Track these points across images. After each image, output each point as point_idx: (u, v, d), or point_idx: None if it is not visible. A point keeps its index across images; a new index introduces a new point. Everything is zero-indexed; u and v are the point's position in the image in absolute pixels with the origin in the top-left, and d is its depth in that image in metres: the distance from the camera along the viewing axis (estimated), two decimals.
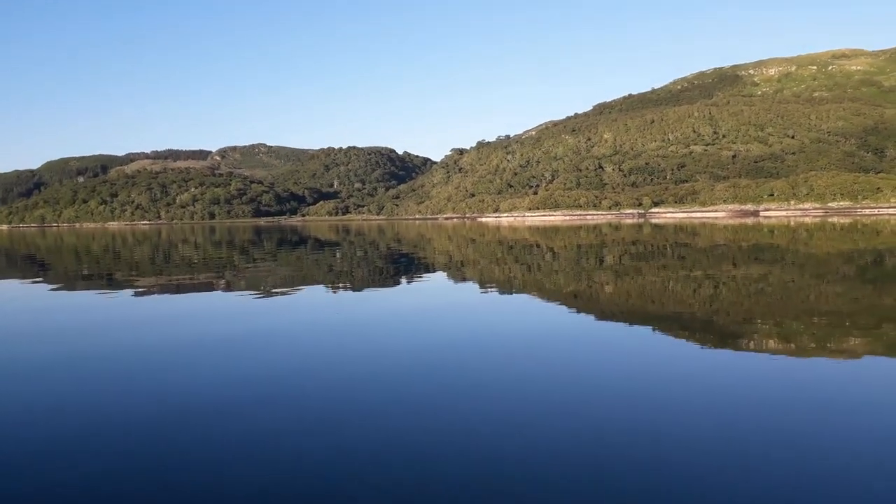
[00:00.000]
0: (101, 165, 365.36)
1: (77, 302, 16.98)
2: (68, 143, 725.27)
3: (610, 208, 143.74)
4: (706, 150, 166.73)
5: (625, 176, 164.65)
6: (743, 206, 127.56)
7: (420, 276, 22.37)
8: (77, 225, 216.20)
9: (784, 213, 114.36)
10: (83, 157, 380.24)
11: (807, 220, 78.22)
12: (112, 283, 21.50)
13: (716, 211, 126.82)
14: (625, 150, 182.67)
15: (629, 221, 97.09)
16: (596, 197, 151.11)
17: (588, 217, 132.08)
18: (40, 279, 23.67)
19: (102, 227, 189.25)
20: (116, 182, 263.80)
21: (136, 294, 17.89)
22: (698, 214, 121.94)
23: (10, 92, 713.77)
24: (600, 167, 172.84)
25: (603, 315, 12.80)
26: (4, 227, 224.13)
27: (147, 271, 26.29)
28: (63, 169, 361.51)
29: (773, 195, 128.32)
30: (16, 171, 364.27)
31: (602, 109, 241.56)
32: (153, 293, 18.24)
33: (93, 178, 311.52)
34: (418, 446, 5.70)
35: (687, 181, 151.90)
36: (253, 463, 5.35)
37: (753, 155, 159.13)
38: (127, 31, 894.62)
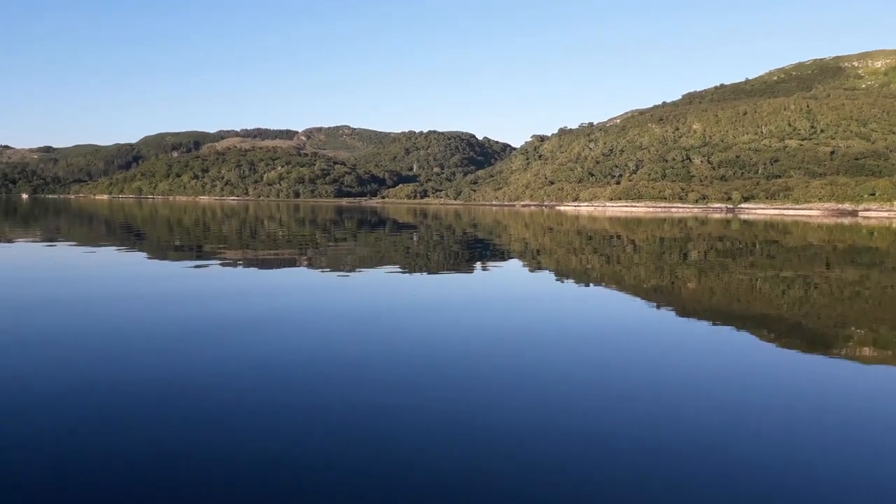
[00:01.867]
0: (194, 141, 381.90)
1: (167, 271, 17.87)
2: (164, 119, 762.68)
3: (697, 202, 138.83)
4: (802, 145, 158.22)
5: (713, 169, 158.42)
6: (840, 206, 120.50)
7: (495, 263, 22.33)
8: (170, 198, 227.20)
9: (886, 213, 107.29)
10: (178, 133, 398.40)
11: None
12: (201, 255, 22.52)
13: (810, 209, 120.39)
14: (714, 141, 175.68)
15: (717, 216, 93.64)
16: (682, 189, 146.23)
17: (673, 210, 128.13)
18: (137, 248, 25.06)
19: (194, 200, 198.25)
20: (208, 158, 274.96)
21: (223, 265, 18.67)
22: (791, 212, 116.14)
23: (112, 69, 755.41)
24: (688, 159, 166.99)
25: (684, 312, 12.42)
26: (105, 196, 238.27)
27: (234, 245, 27.37)
28: (159, 143, 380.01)
29: (874, 195, 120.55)
30: (116, 144, 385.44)
31: (692, 99, 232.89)
32: (238, 266, 18.99)
33: (186, 153, 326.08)
34: (491, 437, 5.72)
35: (780, 177, 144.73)
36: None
37: (854, 152, 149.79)
38: (221, 14, 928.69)
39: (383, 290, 15.08)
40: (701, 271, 20.07)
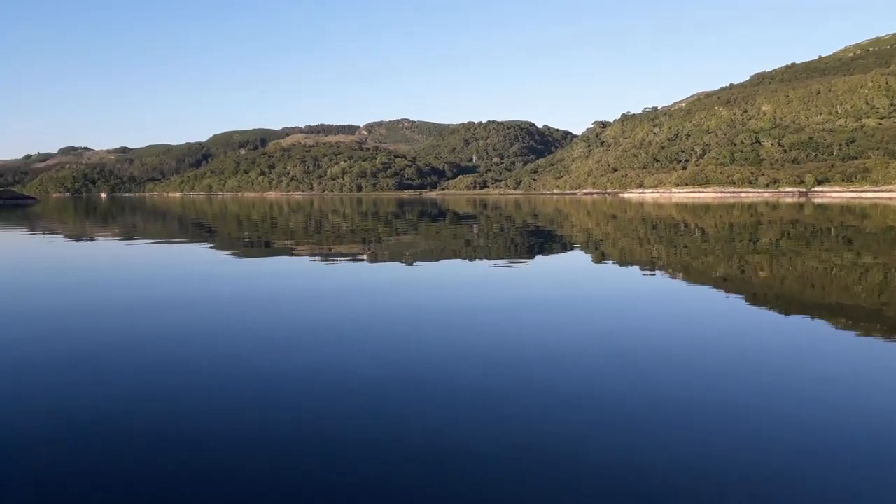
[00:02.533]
0: (261, 138, 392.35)
1: (239, 269, 18.50)
2: (232, 118, 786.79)
3: (767, 186, 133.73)
4: (881, 124, 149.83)
5: (785, 151, 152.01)
6: None
7: (556, 253, 22.16)
8: (239, 193, 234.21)
9: None
10: (245, 131, 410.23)
11: None
12: (270, 250, 23.21)
13: (891, 191, 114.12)
14: (785, 123, 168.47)
15: (789, 200, 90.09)
16: (752, 173, 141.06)
17: (742, 195, 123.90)
18: (208, 244, 26.02)
19: (261, 195, 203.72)
20: (274, 154, 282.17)
21: (292, 260, 19.20)
22: (869, 195, 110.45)
23: (183, 71, 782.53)
24: (757, 141, 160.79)
25: (755, 300, 12.07)
26: (178, 193, 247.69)
27: (301, 239, 28.07)
28: (227, 141, 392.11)
29: None
30: (187, 143, 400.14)
31: (761, 79, 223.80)
32: (306, 261, 19.48)
33: (253, 150, 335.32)
34: (573, 436, 5.74)
35: (857, 158, 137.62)
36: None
37: None
38: (285, 15, 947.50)
39: (445, 283, 15.20)
40: (773, 258, 19.40)
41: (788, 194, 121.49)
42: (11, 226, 40.49)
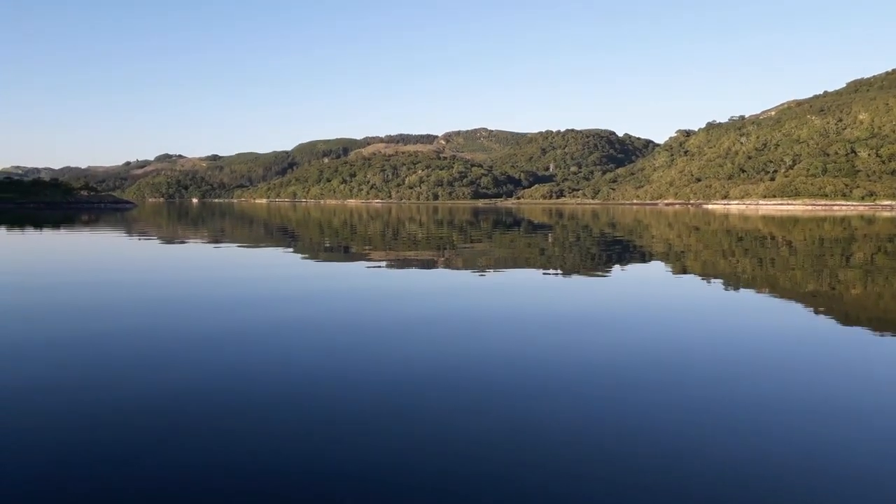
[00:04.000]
0: (343, 148, 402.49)
1: (315, 271, 19.08)
2: (316, 128, 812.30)
3: (863, 199, 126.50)
4: None
5: (883, 163, 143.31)
6: None
7: (634, 265, 21.71)
8: (321, 201, 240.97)
9: None
10: (328, 140, 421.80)
11: None
12: (348, 255, 23.81)
13: None
14: (884, 132, 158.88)
15: (886, 214, 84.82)
16: (846, 185, 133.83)
17: (835, 208, 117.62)
18: (291, 249, 26.94)
19: (342, 203, 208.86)
20: (355, 163, 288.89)
21: (368, 267, 19.64)
22: None
23: (270, 81, 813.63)
24: (852, 152, 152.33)
25: (846, 320, 11.48)
26: (264, 200, 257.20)
27: (378, 245, 28.64)
28: (311, 150, 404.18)
29: None
30: (273, 152, 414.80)
31: (858, 87, 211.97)
32: (381, 266, 19.87)
33: (335, 159, 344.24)
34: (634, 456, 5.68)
35: None
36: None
37: None
38: (365, 27, 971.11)
39: (511, 293, 15.19)
40: (867, 275, 18.37)
41: (886, 208, 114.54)
42: (111, 228, 43.13)
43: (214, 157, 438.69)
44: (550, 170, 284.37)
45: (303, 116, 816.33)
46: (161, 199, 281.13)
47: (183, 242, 30.72)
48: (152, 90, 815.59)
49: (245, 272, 18.36)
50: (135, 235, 36.11)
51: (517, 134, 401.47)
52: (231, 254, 24.42)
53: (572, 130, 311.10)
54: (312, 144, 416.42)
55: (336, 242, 31.45)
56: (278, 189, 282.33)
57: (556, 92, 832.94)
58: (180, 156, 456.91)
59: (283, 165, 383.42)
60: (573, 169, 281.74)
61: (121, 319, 10.78)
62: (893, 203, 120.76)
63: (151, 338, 9.33)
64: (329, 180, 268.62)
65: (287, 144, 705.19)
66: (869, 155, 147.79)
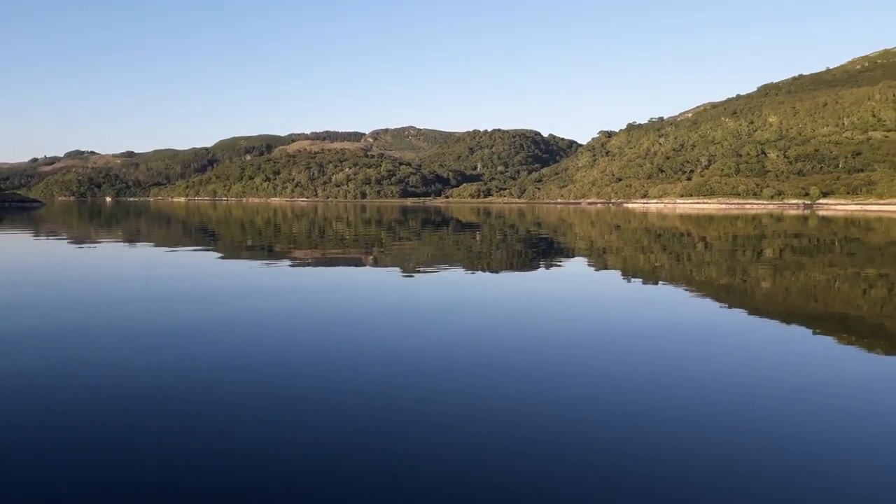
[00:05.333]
0: (266, 144, 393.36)
1: (236, 269, 18.50)
2: (238, 124, 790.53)
3: (772, 198, 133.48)
4: (887, 137, 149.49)
5: (790, 163, 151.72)
6: None
7: (559, 262, 22.10)
8: (243, 199, 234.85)
9: None
10: (250, 137, 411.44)
11: None
12: (271, 254, 23.21)
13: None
14: (791, 135, 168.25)
15: (793, 213, 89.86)
16: (757, 185, 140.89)
17: (747, 206, 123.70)
18: (211, 248, 26.04)
19: (266, 201, 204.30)
20: (279, 161, 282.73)
21: (292, 265, 19.19)
22: (874, 208, 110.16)
23: (189, 76, 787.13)
24: (763, 153, 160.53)
25: (757, 312, 12.00)
26: (182, 199, 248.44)
27: (304, 244, 28.07)
28: (233, 147, 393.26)
29: None
30: (193, 149, 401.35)
31: (768, 91, 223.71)
32: (306, 265, 19.46)
33: (258, 156, 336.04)
34: (555, 440, 5.69)
35: (862, 171, 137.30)
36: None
37: None
38: (291, 21, 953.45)
39: (442, 289, 15.16)
40: (776, 270, 19.32)
41: (793, 206, 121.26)
42: (16, 228, 40.61)
43: (129, 154, 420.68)
44: (478, 169, 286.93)
45: (224, 112, 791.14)
46: (71, 198, 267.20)
47: (95, 243, 29.23)
48: (61, 84, 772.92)
49: (164, 272, 17.59)
50: (43, 236, 34.11)
51: (445, 133, 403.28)
52: (148, 254, 23.39)
53: (499, 130, 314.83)
54: (234, 141, 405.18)
55: (259, 242, 30.64)
56: (198, 187, 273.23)
57: (483, 92, 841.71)
58: (92, 152, 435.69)
59: (202, 163, 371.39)
60: (500, 168, 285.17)
61: (22, 320, 10.10)
62: (799, 202, 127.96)
63: (45, 338, 8.76)
64: (252, 178, 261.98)
65: (207, 141, 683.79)
66: (777, 156, 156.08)
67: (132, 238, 32.72)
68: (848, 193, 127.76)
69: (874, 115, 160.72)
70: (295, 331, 9.86)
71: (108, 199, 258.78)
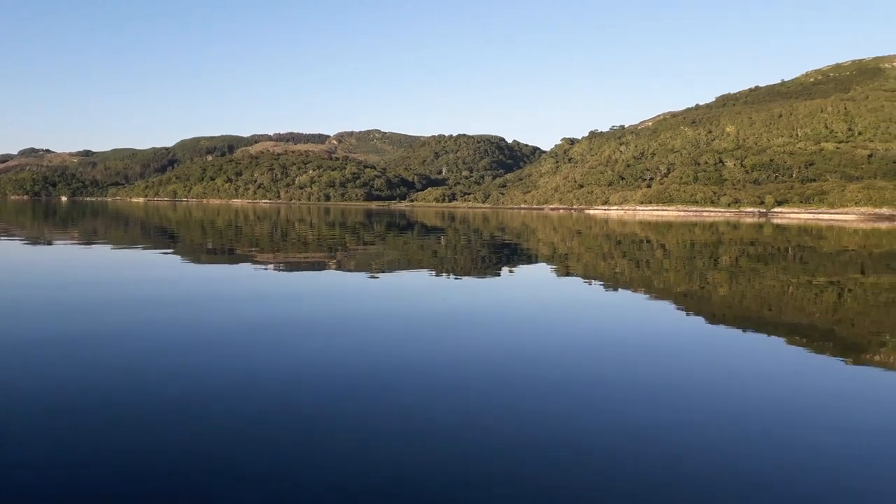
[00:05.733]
0: (229, 145, 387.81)
1: (197, 273, 18.22)
2: (200, 124, 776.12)
3: (729, 205, 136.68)
4: (838, 148, 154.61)
5: (747, 172, 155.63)
6: (877, 210, 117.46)
7: (522, 267, 22.30)
8: (204, 200, 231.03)
9: None
10: (212, 137, 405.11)
11: None
12: (233, 258, 22.91)
13: (846, 213, 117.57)
14: (748, 144, 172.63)
15: (749, 220, 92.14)
16: (714, 193, 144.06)
17: (704, 214, 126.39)
18: (170, 250, 25.57)
19: (227, 203, 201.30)
20: (241, 161, 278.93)
21: (255, 269, 18.97)
22: (826, 216, 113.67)
23: (150, 74, 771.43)
24: (720, 162, 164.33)
25: (713, 319, 12.31)
26: (141, 199, 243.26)
27: (266, 247, 27.76)
28: (194, 147, 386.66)
29: None
30: (153, 148, 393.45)
31: (725, 101, 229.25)
32: (269, 269, 19.26)
33: (220, 157, 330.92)
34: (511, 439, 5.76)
35: (815, 180, 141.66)
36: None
37: (893, 155, 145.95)
38: (255, 20, 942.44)
39: (405, 294, 15.18)
40: (732, 276, 19.82)
41: (749, 214, 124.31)
42: None
43: (87, 153, 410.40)
44: (443, 173, 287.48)
45: (186, 112, 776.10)
46: (25, 197, 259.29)
47: (49, 243, 28.46)
48: (14, 78, 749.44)
49: (119, 275, 17.23)
50: None
51: (411, 137, 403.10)
52: (101, 255, 22.85)
53: (464, 135, 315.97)
54: (195, 141, 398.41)
55: (219, 244, 30.20)
56: (157, 187, 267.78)
57: (449, 97, 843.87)
58: (48, 150, 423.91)
59: (162, 162, 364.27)
60: (465, 173, 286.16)
61: None
62: (755, 210, 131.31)
63: None
64: (213, 179, 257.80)
65: (168, 140, 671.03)
66: (734, 165, 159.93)
67: (88, 239, 31.94)
68: (801, 202, 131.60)
69: (826, 127, 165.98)
70: (252, 339, 9.77)
71: (64, 198, 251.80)
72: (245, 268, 19.29)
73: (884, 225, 75.45)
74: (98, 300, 12.73)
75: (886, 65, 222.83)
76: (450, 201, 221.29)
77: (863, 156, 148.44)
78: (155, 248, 26.10)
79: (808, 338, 10.60)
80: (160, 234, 37.27)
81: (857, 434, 6.03)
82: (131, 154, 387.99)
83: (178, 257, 22.48)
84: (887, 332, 11.24)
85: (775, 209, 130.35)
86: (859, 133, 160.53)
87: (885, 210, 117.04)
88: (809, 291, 16.41)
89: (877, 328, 11.59)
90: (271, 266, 20.02)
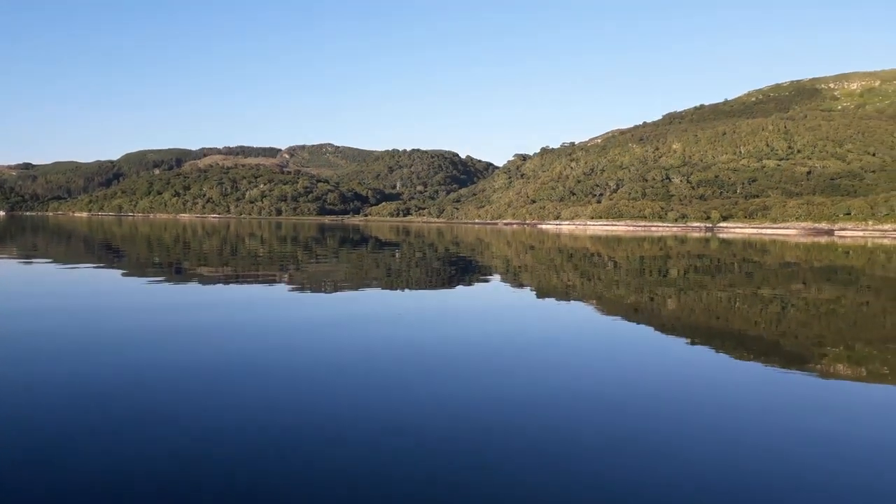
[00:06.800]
0: (176, 159, 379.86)
1: (143, 289, 17.66)
2: (146, 137, 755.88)
3: (676, 220, 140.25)
4: (779, 165, 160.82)
5: (693, 188, 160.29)
6: (816, 225, 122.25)
7: (476, 281, 22.33)
8: (151, 215, 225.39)
9: (861, 233, 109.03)
10: (160, 150, 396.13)
11: (886, 241, 74.41)
12: (180, 274, 22.30)
13: (787, 228, 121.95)
14: (694, 161, 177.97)
15: (696, 235, 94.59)
16: (662, 208, 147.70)
17: (653, 229, 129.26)
18: (115, 266, 24.75)
19: (174, 218, 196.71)
20: (189, 175, 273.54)
21: (203, 284, 18.48)
22: (769, 231, 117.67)
23: (94, 85, 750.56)
24: (668, 178, 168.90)
25: (663, 330, 12.49)
26: (85, 214, 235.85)
27: (214, 263, 27.12)
28: (140, 161, 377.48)
29: (849, 214, 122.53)
30: (97, 161, 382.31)
31: (672, 119, 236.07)
32: (216, 284, 18.79)
33: (168, 170, 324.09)
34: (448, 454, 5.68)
35: (758, 196, 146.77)
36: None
37: (830, 172, 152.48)
38: (202, 35, 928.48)
39: (357, 310, 15.00)
40: (680, 290, 20.22)
41: (696, 229, 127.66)
42: None
43: (27, 166, 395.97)
44: (397, 188, 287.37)
45: (132, 124, 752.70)
46: None
47: None
48: None
49: (59, 290, 16.55)
50: None
51: (364, 151, 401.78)
52: (41, 272, 21.96)
53: (418, 150, 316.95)
54: (142, 154, 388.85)
55: (166, 259, 29.39)
56: (102, 202, 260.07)
57: (403, 112, 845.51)
58: None
59: (107, 176, 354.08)
60: (419, 188, 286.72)
61: None
62: (701, 225, 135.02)
63: None
64: (160, 193, 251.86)
65: (113, 153, 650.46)
66: (681, 181, 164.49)
67: (28, 255, 30.70)
68: (745, 217, 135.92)
69: (767, 145, 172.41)
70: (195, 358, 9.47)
71: (2, 213, 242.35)
72: (191, 285, 18.77)
73: (823, 239, 78.45)
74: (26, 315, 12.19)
75: (823, 86, 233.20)
76: (404, 216, 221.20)
77: (802, 173, 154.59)
78: (98, 265, 25.22)
79: (754, 348, 10.84)
80: (105, 250, 36.09)
81: (800, 439, 6.14)
82: (74, 167, 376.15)
83: (120, 272, 21.76)
84: (828, 342, 11.58)
85: (721, 224, 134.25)
86: (798, 151, 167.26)
87: (823, 225, 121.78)
88: (755, 304, 16.84)
89: (818, 339, 11.93)
90: (218, 281, 19.54)
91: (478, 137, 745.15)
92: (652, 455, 5.72)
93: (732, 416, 7.01)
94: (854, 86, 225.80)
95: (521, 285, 21.18)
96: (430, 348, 10.29)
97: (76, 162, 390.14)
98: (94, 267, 23.94)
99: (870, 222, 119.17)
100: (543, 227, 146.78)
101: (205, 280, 19.75)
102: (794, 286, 21.77)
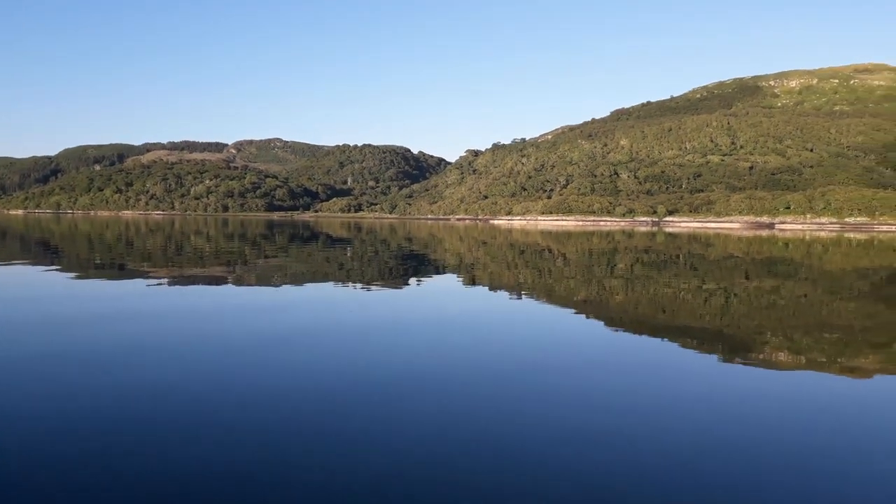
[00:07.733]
0: (118, 154, 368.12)
1: (85, 292, 17.06)
2: (86, 132, 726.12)
3: (624, 215, 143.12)
4: (723, 161, 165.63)
5: (640, 183, 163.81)
6: (758, 218, 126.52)
7: (429, 277, 22.31)
8: (91, 212, 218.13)
9: (800, 226, 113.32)
10: (100, 146, 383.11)
11: (822, 234, 77.48)
12: (123, 273, 21.62)
13: (731, 222, 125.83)
14: (641, 157, 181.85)
15: (643, 229, 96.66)
16: (610, 203, 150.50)
17: (601, 223, 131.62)
18: (53, 266, 23.84)
19: (116, 215, 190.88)
20: (132, 171, 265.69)
21: (148, 286, 17.97)
22: (713, 225, 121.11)
23: (29, 80, 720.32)
24: (616, 174, 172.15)
25: (612, 323, 12.69)
26: (20, 211, 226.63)
27: (159, 262, 26.40)
28: (80, 157, 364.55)
29: (789, 208, 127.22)
30: (33, 157, 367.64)
31: (619, 116, 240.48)
32: (162, 285, 18.29)
33: (109, 166, 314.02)
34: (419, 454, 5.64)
35: (702, 191, 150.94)
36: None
37: (771, 167, 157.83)
38: (145, 24, 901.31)
39: (311, 307, 14.81)
40: (628, 283, 20.60)
41: (643, 223, 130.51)
42: None
43: None
44: (348, 183, 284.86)
45: (70, 117, 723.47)
46: None
47: None
48: None
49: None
50: None
51: (314, 146, 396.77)
52: None
53: (369, 145, 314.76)
54: (82, 150, 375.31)
55: (108, 259, 28.46)
56: (39, 199, 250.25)
57: (353, 106, 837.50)
58: None
59: (45, 172, 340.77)
60: (371, 183, 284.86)
61: None
62: (648, 219, 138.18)
63: None
64: (101, 189, 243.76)
65: (50, 149, 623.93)
66: (628, 176, 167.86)
67: None
68: (690, 212, 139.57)
69: (712, 141, 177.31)
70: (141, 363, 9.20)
71: None
72: (135, 284, 18.21)
73: (764, 232, 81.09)
74: None
75: (764, 83, 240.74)
76: (356, 212, 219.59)
77: (744, 168, 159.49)
78: (36, 264, 24.25)
79: (699, 338, 11.11)
80: (42, 249, 34.72)
81: (745, 425, 6.31)
82: (8, 163, 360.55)
83: (61, 273, 20.97)
84: (769, 331, 11.95)
85: (667, 218, 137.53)
86: (741, 146, 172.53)
87: (765, 218, 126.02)
88: (700, 296, 17.28)
89: (759, 328, 12.31)
90: (163, 282, 19.02)
91: (430, 133, 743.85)
92: (593, 444, 5.78)
93: (672, 403, 7.16)
94: (793, 83, 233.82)
95: (473, 281, 21.25)
96: (386, 344, 10.21)
97: (10, 158, 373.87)
98: (27, 265, 23.01)
99: (808, 216, 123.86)
100: (495, 222, 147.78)
101: (149, 283, 19.18)
102: (737, 279, 22.44)
